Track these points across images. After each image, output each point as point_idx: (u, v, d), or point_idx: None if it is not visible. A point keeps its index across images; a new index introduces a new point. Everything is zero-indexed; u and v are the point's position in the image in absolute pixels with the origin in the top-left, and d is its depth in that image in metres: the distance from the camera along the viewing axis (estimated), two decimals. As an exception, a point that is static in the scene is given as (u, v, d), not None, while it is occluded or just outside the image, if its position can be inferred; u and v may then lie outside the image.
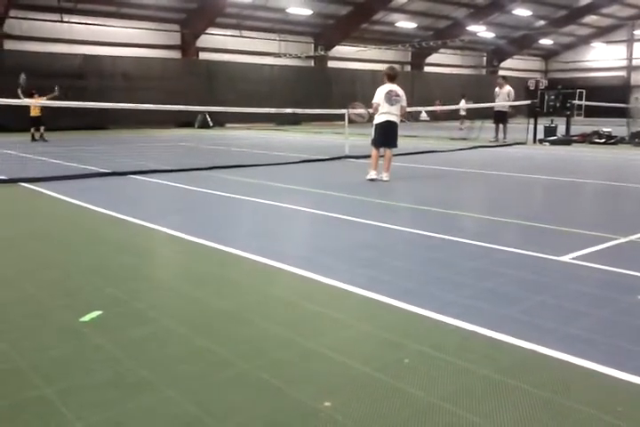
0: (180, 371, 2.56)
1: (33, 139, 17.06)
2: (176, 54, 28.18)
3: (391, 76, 8.77)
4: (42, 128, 16.97)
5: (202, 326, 3.08)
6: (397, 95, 8.60)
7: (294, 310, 3.36)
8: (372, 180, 8.53)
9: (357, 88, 30.14)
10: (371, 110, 9.02)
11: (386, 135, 8.68)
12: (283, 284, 3.87)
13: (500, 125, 16.75)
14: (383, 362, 2.64)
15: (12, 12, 22.68)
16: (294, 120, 28.20)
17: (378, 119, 8.69)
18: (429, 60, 38.08)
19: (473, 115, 21.70)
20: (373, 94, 8.66)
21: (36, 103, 14.54)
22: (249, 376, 2.51)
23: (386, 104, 8.54)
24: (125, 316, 3.23)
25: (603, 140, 16.20)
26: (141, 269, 4.27)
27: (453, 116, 27.03)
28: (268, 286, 3.81)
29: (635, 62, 39.39)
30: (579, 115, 29.89)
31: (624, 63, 40.44)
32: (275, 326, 3.08)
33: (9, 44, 23.28)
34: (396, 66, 9.60)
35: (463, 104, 21.25)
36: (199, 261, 4.44)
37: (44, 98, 15.88)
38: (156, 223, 5.58)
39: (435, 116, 33.60)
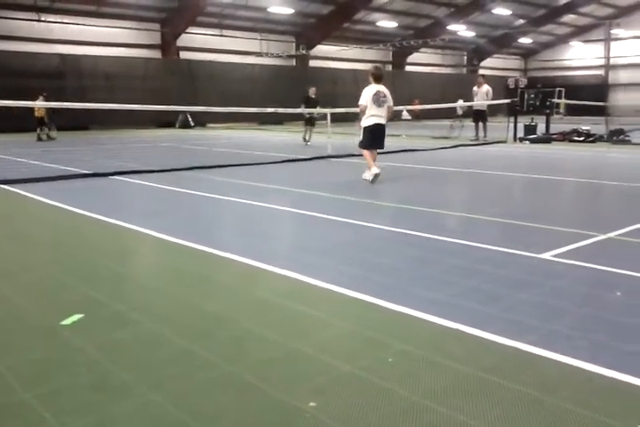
0: (164, 373, 2.54)
1: (39, 139, 17.29)
2: (156, 54, 27.99)
3: (377, 76, 8.51)
4: (46, 128, 17.48)
5: (186, 328, 3.06)
6: (384, 96, 8.40)
7: (278, 310, 3.35)
8: (370, 178, 8.22)
9: (339, 87, 30.16)
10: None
11: (374, 138, 8.48)
12: (267, 284, 3.86)
13: (480, 124, 16.88)
14: (367, 361, 2.64)
15: (-11, 12, 22.37)
16: (276, 120, 28.16)
17: (366, 122, 8.43)
18: (410, 59, 38.24)
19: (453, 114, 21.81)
20: (359, 95, 8.44)
21: (33, 105, 14.88)
22: (234, 378, 2.50)
23: (374, 106, 8.30)
24: (107, 318, 3.20)
25: (582, 139, 16.39)
26: (123, 271, 4.23)
27: (439, 115, 27.16)
28: (252, 286, 3.80)
29: (612, 61, 39.88)
30: (558, 113, 30.20)
31: (602, 62, 40.94)
32: (259, 326, 3.07)
33: (-15, 44, 22.94)
34: (378, 66, 9.25)
35: (461, 103, 21.20)
36: (182, 263, 4.41)
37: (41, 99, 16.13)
38: (138, 224, 5.54)
39: (415, 115, 33.80)
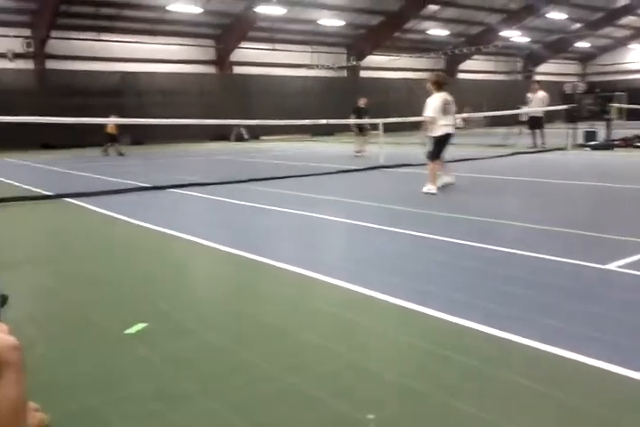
0: (224, 384, 2.58)
1: (105, 153, 18.12)
2: (211, 69, 28.67)
3: (441, 84, 8.24)
4: (116, 144, 18.27)
5: (245, 339, 3.10)
6: (451, 103, 8.22)
7: (336, 321, 3.35)
8: (433, 193, 8.07)
9: (391, 97, 30.12)
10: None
11: (444, 148, 8.36)
12: (323, 295, 3.86)
13: (537, 131, 16.49)
14: (426, 374, 2.61)
15: (53, 33, 23.45)
16: (328, 131, 28.33)
17: (437, 132, 8.19)
18: (462, 66, 37.82)
19: (508, 121, 21.40)
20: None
21: (108, 122, 15.92)
22: (293, 389, 2.51)
23: (442, 115, 8.08)
24: (169, 328, 3.27)
25: (645, 144, 15.78)
26: (184, 282, 4.32)
27: (494, 122, 26.67)
28: (308, 296, 3.81)
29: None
30: (619, 118, 29.21)
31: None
32: (317, 337, 3.07)
33: (50, 64, 24.05)
34: (440, 73, 9.09)
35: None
36: (241, 274, 4.47)
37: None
38: (196, 235, 5.65)
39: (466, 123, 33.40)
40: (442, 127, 8.17)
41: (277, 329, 3.23)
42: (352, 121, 15.95)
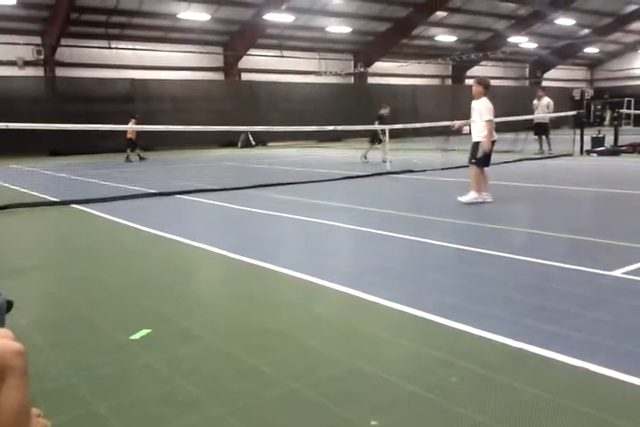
0: (230, 389, 2.59)
1: (127, 160, 18.28)
2: (219, 76, 28.83)
3: (488, 88, 8.02)
4: (137, 149, 18.50)
5: (250, 345, 3.12)
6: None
7: (340, 327, 3.36)
8: (473, 202, 7.67)
9: (399, 103, 30.11)
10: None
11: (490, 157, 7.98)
12: (328, 301, 3.88)
13: (543, 137, 16.46)
14: (431, 381, 2.61)
15: (64, 41, 23.67)
16: (336, 137, 28.38)
17: (494, 137, 7.90)
18: (470, 72, 37.78)
19: (516, 127, 21.34)
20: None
21: (129, 128, 16.40)
22: (298, 395, 2.52)
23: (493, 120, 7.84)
24: (174, 334, 3.29)
25: (654, 150, 15.71)
26: (189, 288, 4.34)
27: (502, 128, 26.57)
28: (313, 303, 3.83)
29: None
30: (627, 124, 29.10)
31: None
32: (321, 343, 3.09)
33: (60, 72, 24.27)
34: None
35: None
36: (246, 280, 4.49)
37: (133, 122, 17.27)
38: (202, 242, 5.68)
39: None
40: (494, 132, 7.96)
41: (283, 335, 3.24)
42: (358, 127, 15.96)
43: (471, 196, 7.77)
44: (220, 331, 3.34)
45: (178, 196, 9.40)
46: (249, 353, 2.99)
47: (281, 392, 2.54)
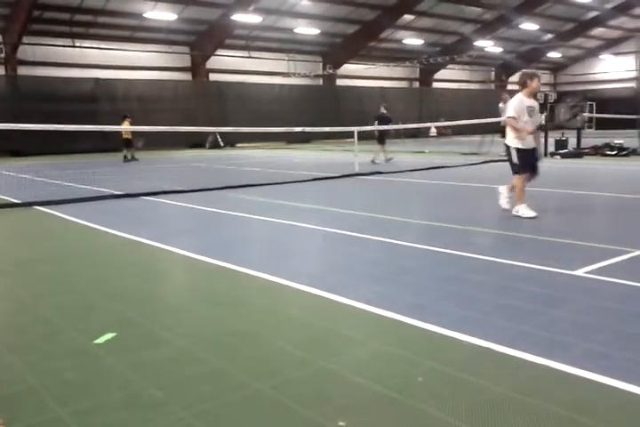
0: (194, 392, 2.56)
1: (125, 159, 18.21)
2: (187, 76, 28.58)
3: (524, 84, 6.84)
4: (132, 149, 18.37)
5: (216, 347, 3.08)
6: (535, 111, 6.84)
7: (307, 328, 3.35)
8: (531, 216, 6.61)
9: (366, 105, 30.30)
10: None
11: (532, 163, 6.86)
12: (295, 302, 3.86)
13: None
14: (397, 380, 2.62)
15: (26, 39, 23.16)
16: (304, 138, 28.41)
17: (523, 142, 6.68)
18: (438, 75, 38.27)
19: (482, 130, 21.69)
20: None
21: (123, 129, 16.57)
22: (263, 396, 2.50)
23: (530, 120, 6.68)
24: (139, 337, 3.24)
25: (614, 153, 16.12)
26: (154, 291, 4.28)
27: (468, 130, 26.92)
28: (280, 304, 3.81)
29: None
30: (589, 127, 29.81)
31: (633, 74, 40.35)
32: (288, 344, 3.07)
33: (23, 70, 23.75)
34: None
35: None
36: (210, 281, 4.45)
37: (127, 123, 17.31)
38: (169, 244, 5.61)
39: (441, 133, 33.96)
40: (528, 138, 6.79)
41: (248, 336, 3.22)
42: (326, 129, 15.97)
43: (521, 208, 6.72)
44: (187, 334, 3.30)
45: (145, 197, 9.27)
46: (214, 356, 2.95)
47: (246, 394, 2.52)
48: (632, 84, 40.57)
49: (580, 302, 3.64)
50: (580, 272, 4.26)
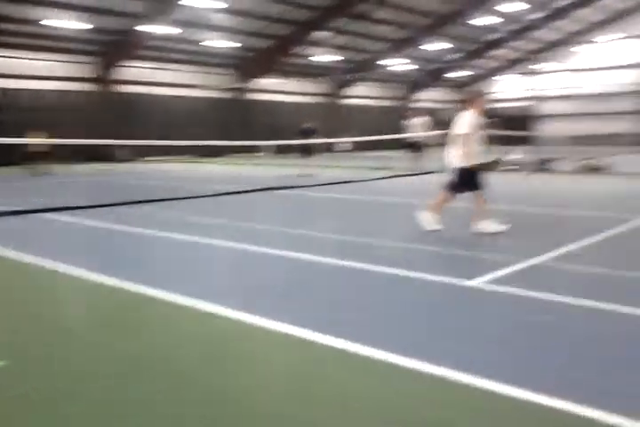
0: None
1: (35, 173, 17.27)
2: (93, 87, 27.58)
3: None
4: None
5: (111, 375, 2.94)
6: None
7: (212, 347, 3.27)
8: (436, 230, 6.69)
9: (278, 120, 30.49)
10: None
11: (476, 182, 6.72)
12: (200, 321, 3.77)
13: (417, 154, 17.30)
14: (305, 398, 2.60)
15: None
16: (215, 152, 28.11)
17: (471, 161, 6.58)
18: (350, 91, 39.06)
19: (391, 145, 22.33)
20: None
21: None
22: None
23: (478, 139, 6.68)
24: (30, 365, 3.04)
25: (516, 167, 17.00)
26: (42, 314, 4.04)
27: (377, 146, 27.52)
28: (184, 323, 3.70)
29: (538, 93, 41.87)
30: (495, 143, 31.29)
31: (529, 94, 42.94)
32: (184, 366, 2.98)
33: None
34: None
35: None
36: (108, 303, 4.26)
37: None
38: (64, 262, 5.31)
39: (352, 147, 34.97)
40: (478, 155, 6.77)
41: (145, 359, 3.10)
42: (237, 143, 15.89)
43: (489, 225, 6.64)
44: (77, 361, 3.13)
45: (40, 214, 8.70)
46: (108, 378, 2.82)
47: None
48: (530, 103, 43.16)
49: (470, 311, 3.77)
50: (472, 283, 4.42)
